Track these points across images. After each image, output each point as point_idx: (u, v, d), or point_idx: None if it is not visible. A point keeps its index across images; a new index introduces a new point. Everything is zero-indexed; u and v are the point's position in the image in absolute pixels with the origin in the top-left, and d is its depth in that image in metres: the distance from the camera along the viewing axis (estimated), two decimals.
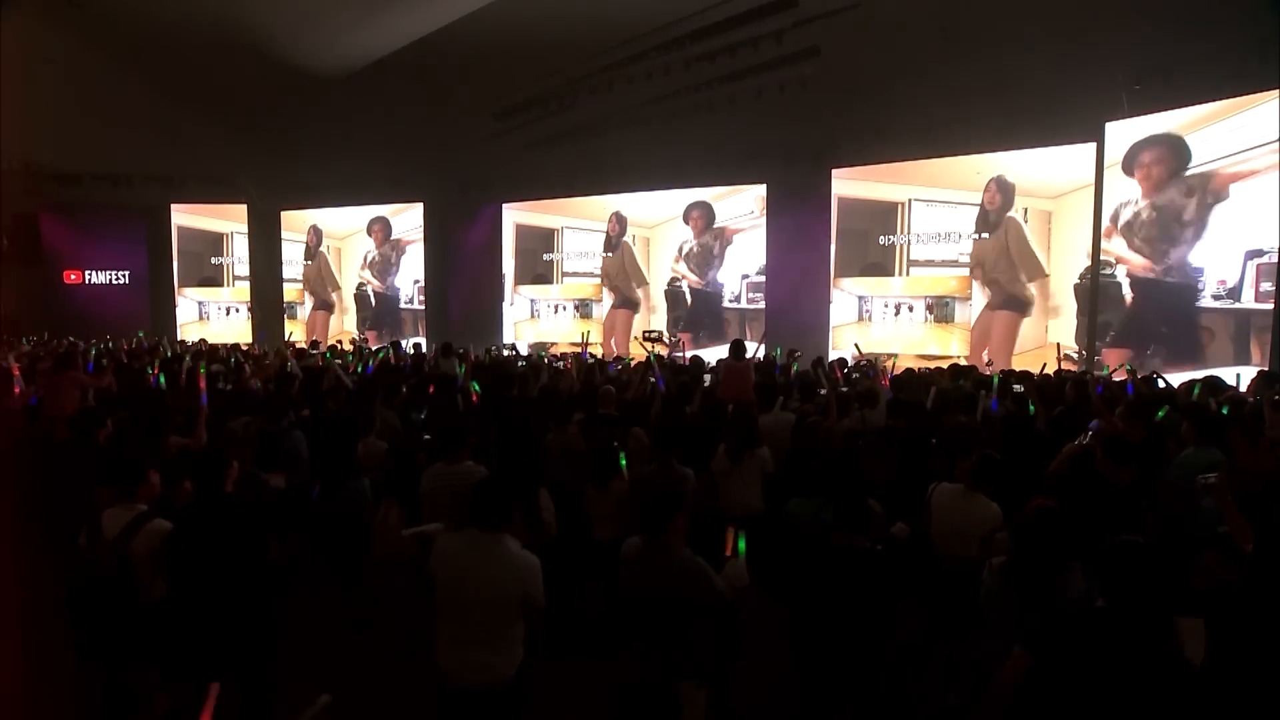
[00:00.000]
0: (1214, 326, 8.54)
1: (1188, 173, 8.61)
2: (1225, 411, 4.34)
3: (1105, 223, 9.41)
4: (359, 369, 6.23)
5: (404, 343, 12.25)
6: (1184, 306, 8.62)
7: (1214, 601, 2.08)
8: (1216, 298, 8.50)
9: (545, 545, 2.82)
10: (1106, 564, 1.92)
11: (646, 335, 11.75)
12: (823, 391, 4.64)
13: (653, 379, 4.79)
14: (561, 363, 7.60)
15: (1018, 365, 10.72)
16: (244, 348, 12.62)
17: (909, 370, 6.95)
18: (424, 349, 14.32)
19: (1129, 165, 9.04)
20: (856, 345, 8.56)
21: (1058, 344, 8.86)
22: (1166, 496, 3.34)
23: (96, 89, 14.33)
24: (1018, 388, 4.40)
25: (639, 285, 14.11)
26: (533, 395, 4.97)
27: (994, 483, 2.98)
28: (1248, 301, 8.25)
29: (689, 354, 8.63)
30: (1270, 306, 8.04)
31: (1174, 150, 8.67)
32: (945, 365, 10.91)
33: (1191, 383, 5.30)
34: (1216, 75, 8.30)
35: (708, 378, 4.84)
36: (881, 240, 11.76)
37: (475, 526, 2.29)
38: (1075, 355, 10.19)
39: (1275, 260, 8.00)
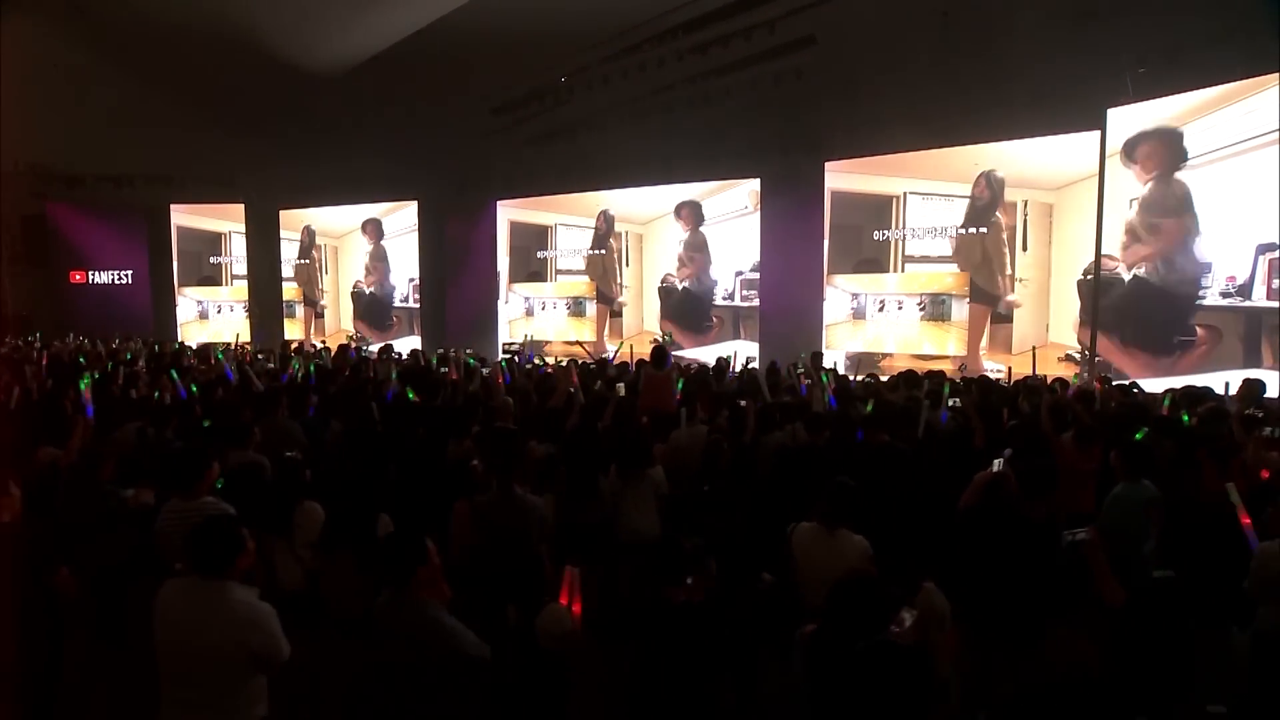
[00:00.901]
0: (1222, 326, 7.97)
1: (1191, 162, 8.03)
2: (1189, 424, 3.92)
3: (1106, 215, 8.86)
4: (303, 372, 6.07)
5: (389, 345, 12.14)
6: (1186, 305, 8.07)
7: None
8: (1225, 295, 7.92)
9: None
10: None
11: (578, 342, 11.48)
12: (743, 403, 4.27)
13: (572, 388, 4.51)
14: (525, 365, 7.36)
15: (1016, 367, 10.25)
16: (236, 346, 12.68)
17: (845, 379, 6.43)
18: (419, 349, 14.37)
19: (1128, 156, 8.49)
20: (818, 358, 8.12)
21: (1034, 348, 8.39)
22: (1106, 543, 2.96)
23: (97, 90, 14.52)
24: (955, 401, 3.98)
25: (615, 284, 13.90)
26: (457, 403, 4.74)
27: (854, 515, 2.64)
28: (1259, 299, 7.67)
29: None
30: None
31: (1170, 142, 8.11)
32: (942, 365, 10.58)
33: (1168, 392, 4.83)
34: (1225, 56, 7.72)
35: (622, 386, 4.55)
36: (876, 235, 11.31)
37: (195, 573, 2.03)
38: (1078, 356, 9.68)
39: None
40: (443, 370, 5.94)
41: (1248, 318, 7.75)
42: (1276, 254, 7.52)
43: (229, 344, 11.90)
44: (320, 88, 14.82)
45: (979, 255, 10.35)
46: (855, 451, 3.64)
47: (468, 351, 9.42)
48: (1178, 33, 8.17)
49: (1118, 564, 2.82)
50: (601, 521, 3.04)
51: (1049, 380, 6.14)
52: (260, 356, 8.74)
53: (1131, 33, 8.53)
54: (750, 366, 6.68)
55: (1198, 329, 8.12)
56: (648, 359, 6.00)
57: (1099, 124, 8.94)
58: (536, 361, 7.67)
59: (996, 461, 2.96)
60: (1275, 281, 7.54)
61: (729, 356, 5.67)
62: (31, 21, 13.96)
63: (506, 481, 3.04)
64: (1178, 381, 7.67)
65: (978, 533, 2.51)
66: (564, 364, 6.20)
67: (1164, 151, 8.25)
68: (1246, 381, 5.34)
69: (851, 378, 7.29)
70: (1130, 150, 8.52)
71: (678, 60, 13.47)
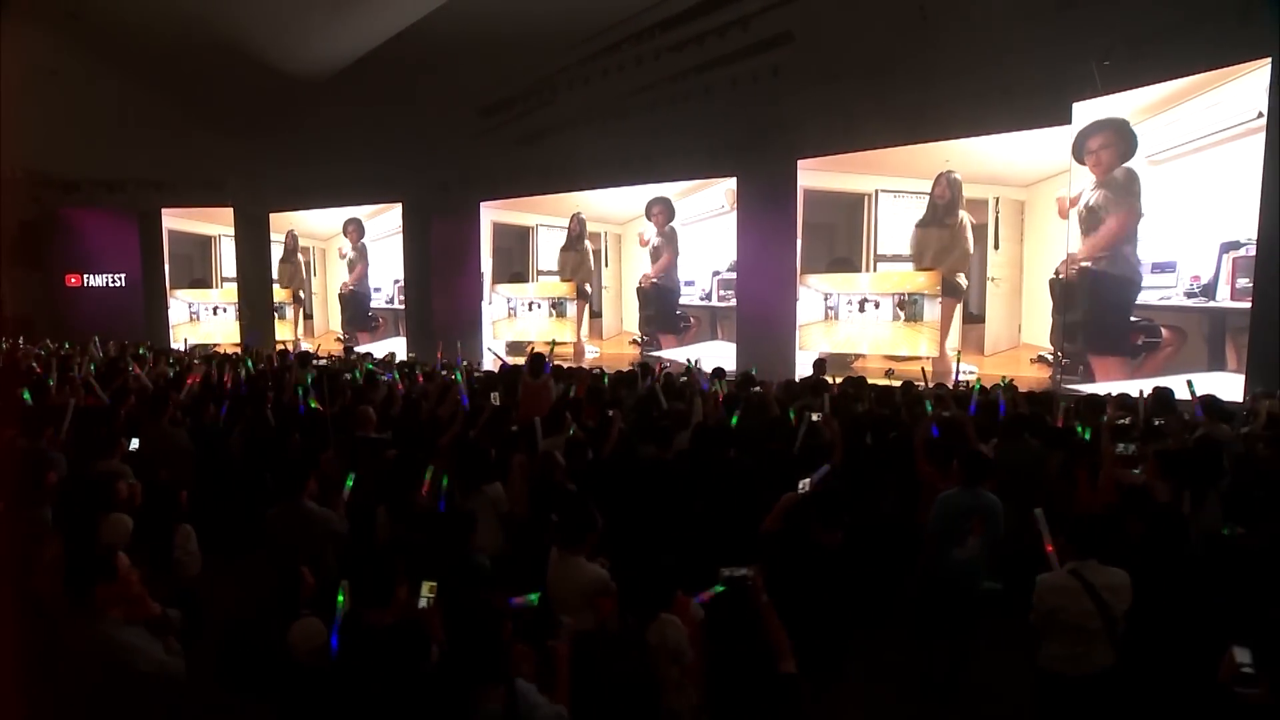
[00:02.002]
0: (1187, 327, 7.70)
1: (1155, 158, 7.77)
2: (1085, 435, 3.76)
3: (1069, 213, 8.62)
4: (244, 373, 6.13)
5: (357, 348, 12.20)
6: (1128, 304, 7.84)
7: None
8: (1190, 295, 7.65)
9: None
10: None
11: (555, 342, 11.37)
12: (610, 413, 4.14)
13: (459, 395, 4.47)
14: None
15: (989, 368, 10.02)
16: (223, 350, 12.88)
17: (747, 377, 6.18)
18: (404, 351, 14.46)
19: (1078, 152, 8.25)
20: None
21: (924, 359, 8.19)
22: (930, 547, 2.86)
23: (91, 96, 14.82)
24: (815, 416, 3.84)
25: (590, 285, 13.91)
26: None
27: (582, 537, 2.52)
28: (1223, 299, 7.40)
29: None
30: (1248, 305, 7.19)
31: (1120, 134, 7.85)
32: (914, 366, 10.39)
33: (1091, 398, 4.65)
34: (1188, 47, 7.45)
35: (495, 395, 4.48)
36: (846, 235, 11.14)
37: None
38: (1050, 358, 9.43)
39: (1253, 254, 7.14)
40: (347, 378, 5.97)
41: (1211, 318, 7.48)
42: (1241, 252, 7.24)
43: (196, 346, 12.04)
44: (306, 93, 14.99)
45: (934, 253, 10.18)
46: (699, 466, 3.52)
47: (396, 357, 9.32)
48: (1141, 25, 7.91)
49: (936, 564, 2.71)
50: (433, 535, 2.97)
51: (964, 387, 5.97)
52: (196, 362, 8.84)
53: (1096, 27, 8.28)
54: (691, 369, 6.46)
55: (1163, 330, 7.86)
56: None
57: (1067, 119, 8.68)
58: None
59: (802, 483, 2.85)
60: (1240, 281, 7.27)
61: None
62: (28, 28, 14.27)
63: (294, 492, 3.01)
64: (1146, 384, 7.49)
65: (770, 558, 2.42)
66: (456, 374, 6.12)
67: (1108, 149, 8.02)
68: (1156, 389, 5.13)
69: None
70: (1078, 148, 8.30)
71: (655, 59, 13.39)
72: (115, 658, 1.97)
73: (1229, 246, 7.33)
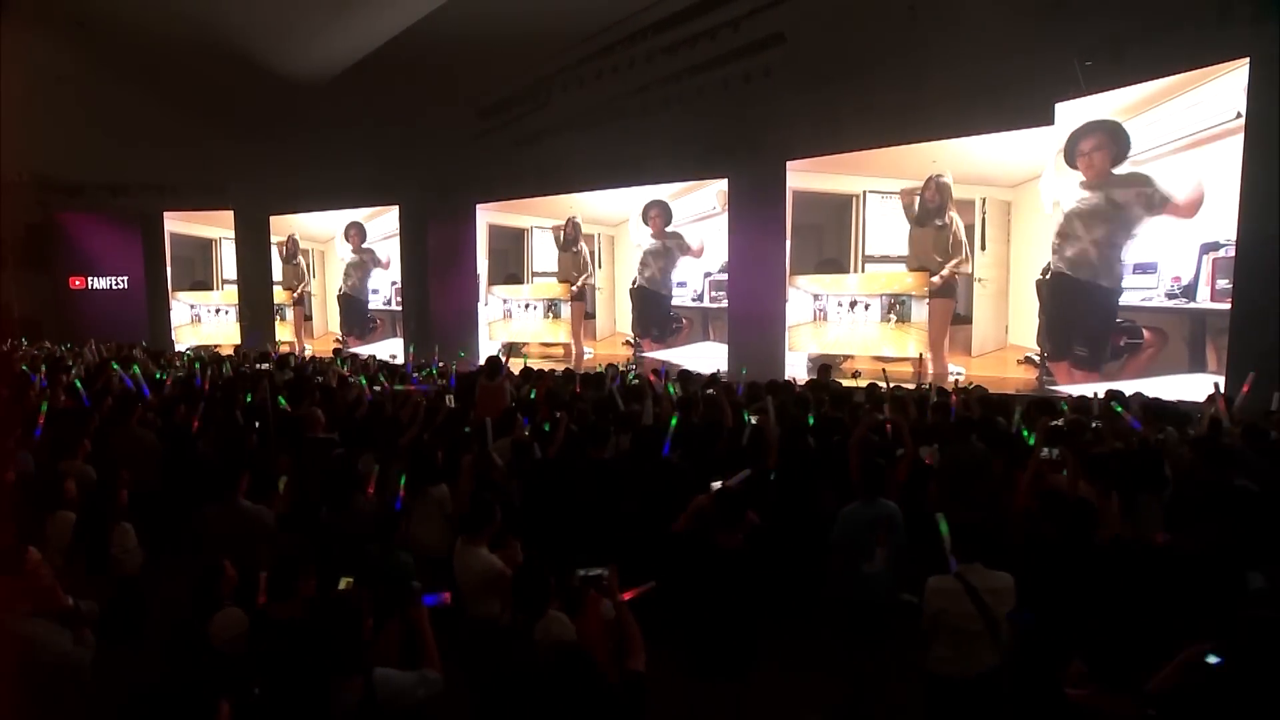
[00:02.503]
0: (1168, 329, 7.66)
1: (1135, 158, 7.72)
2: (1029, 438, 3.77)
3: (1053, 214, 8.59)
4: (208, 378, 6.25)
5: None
6: (1109, 306, 7.81)
7: None
8: (1171, 296, 7.61)
9: None
10: None
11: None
12: (558, 414, 4.18)
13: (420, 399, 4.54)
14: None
15: (977, 369, 10.00)
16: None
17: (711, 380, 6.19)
18: (404, 351, 14.60)
19: (1070, 154, 8.21)
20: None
21: (920, 355, 8.18)
22: (837, 560, 2.89)
23: (94, 101, 15.07)
24: (754, 419, 3.85)
25: (586, 285, 13.97)
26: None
27: (484, 528, 2.59)
28: (1203, 300, 7.35)
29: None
30: (1228, 306, 7.15)
31: (1112, 136, 7.80)
32: (902, 367, 10.37)
33: (1043, 400, 4.64)
34: (1169, 48, 7.41)
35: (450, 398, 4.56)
36: (835, 236, 11.13)
37: None
38: (1037, 359, 9.39)
39: (1233, 255, 7.09)
40: (319, 379, 6.07)
41: (1192, 319, 7.44)
42: (1221, 253, 7.20)
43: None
44: (305, 97, 15.17)
45: (928, 251, 10.16)
46: (635, 467, 3.56)
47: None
48: (1122, 26, 7.87)
49: (846, 581, 2.74)
50: (359, 532, 3.02)
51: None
52: (176, 364, 8.99)
53: (1078, 27, 8.25)
54: (640, 373, 6.47)
55: (1144, 331, 7.82)
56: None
57: (1049, 119, 8.66)
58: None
59: (714, 485, 2.89)
60: (1220, 282, 7.22)
61: (624, 365, 5.60)
62: (34, 36, 14.54)
63: (229, 490, 3.10)
64: (1124, 387, 7.47)
65: (677, 559, 2.46)
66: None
67: (1100, 150, 7.98)
68: (1109, 392, 5.10)
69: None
70: (1070, 151, 8.26)
71: (647, 61, 13.46)
72: (14, 649, 2.05)
73: (1209, 247, 7.29)
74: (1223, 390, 5.37)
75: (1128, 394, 6.41)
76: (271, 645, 1.98)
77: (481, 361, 13.75)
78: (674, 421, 3.97)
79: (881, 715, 2.84)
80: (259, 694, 1.92)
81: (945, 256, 10.07)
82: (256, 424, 4.68)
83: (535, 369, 8.08)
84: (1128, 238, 7.82)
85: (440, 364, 7.31)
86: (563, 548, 2.91)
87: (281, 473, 3.76)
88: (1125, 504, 3.03)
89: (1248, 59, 6.83)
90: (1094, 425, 4.03)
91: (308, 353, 14.94)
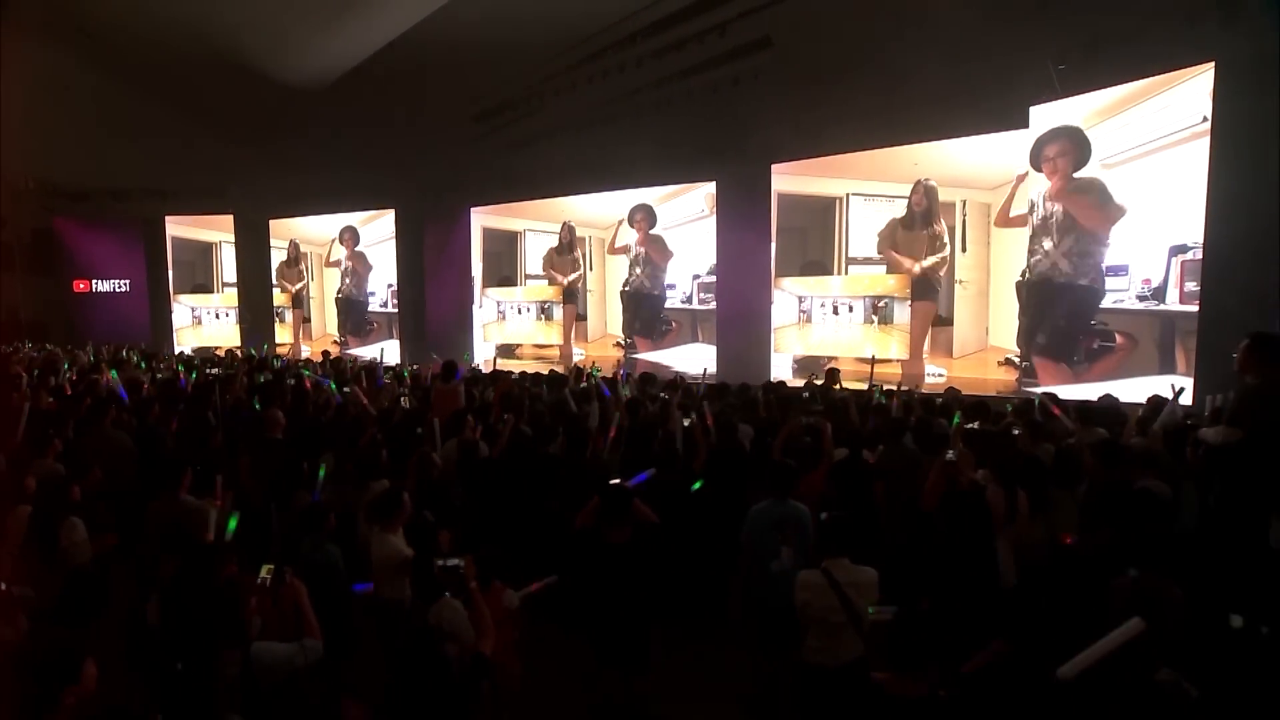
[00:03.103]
0: (1138, 331, 7.71)
1: (1106, 160, 7.79)
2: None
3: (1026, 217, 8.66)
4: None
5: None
6: (1092, 310, 7.86)
7: None
8: (1141, 298, 7.67)
9: None
10: None
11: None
12: (506, 416, 4.30)
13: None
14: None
15: (958, 370, 10.07)
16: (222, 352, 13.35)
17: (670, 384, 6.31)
18: (394, 354, 14.81)
19: (1036, 159, 8.29)
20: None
21: (873, 357, 8.35)
22: (745, 559, 3.01)
23: (97, 108, 15.39)
24: (686, 421, 3.97)
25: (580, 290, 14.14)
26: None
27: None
28: (1172, 303, 7.40)
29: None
30: (1196, 309, 7.20)
31: (1074, 141, 7.87)
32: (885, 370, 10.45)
33: (980, 403, 4.73)
34: (1139, 51, 7.47)
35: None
36: (819, 238, 11.23)
37: None
38: (1016, 361, 9.45)
39: (1200, 257, 7.14)
40: (290, 382, 6.25)
41: (1162, 321, 7.49)
42: (1189, 256, 7.25)
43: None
44: (303, 102, 15.42)
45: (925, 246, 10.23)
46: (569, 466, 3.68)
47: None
48: (1093, 30, 7.93)
49: (755, 580, 2.86)
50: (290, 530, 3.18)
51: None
52: (162, 366, 9.21)
53: (1052, 31, 8.31)
54: (594, 377, 6.55)
55: (1116, 335, 7.87)
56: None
57: (1025, 123, 8.72)
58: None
59: (613, 483, 3.01)
60: (1188, 284, 7.27)
61: (590, 366, 5.74)
62: (38, 44, 14.88)
63: (173, 486, 3.26)
64: (1095, 388, 7.53)
65: (576, 553, 2.59)
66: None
67: (1065, 156, 8.06)
68: (1045, 394, 5.18)
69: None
70: (1035, 156, 8.35)
71: (637, 66, 13.58)
72: None
73: (1177, 250, 7.34)
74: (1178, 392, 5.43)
75: (1097, 396, 6.54)
76: (177, 623, 2.15)
77: (485, 365, 14.07)
78: (616, 422, 4.12)
79: (787, 712, 2.95)
80: (180, 669, 2.08)
81: (928, 259, 10.16)
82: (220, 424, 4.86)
83: (501, 371, 8.27)
84: (1093, 242, 7.89)
85: (415, 367, 7.45)
86: (496, 542, 3.05)
87: (242, 471, 3.91)
88: (1035, 504, 3.12)
89: (1213, 63, 6.89)
90: (1014, 430, 4.11)
91: (304, 353, 15.19)
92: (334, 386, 5.62)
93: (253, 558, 2.71)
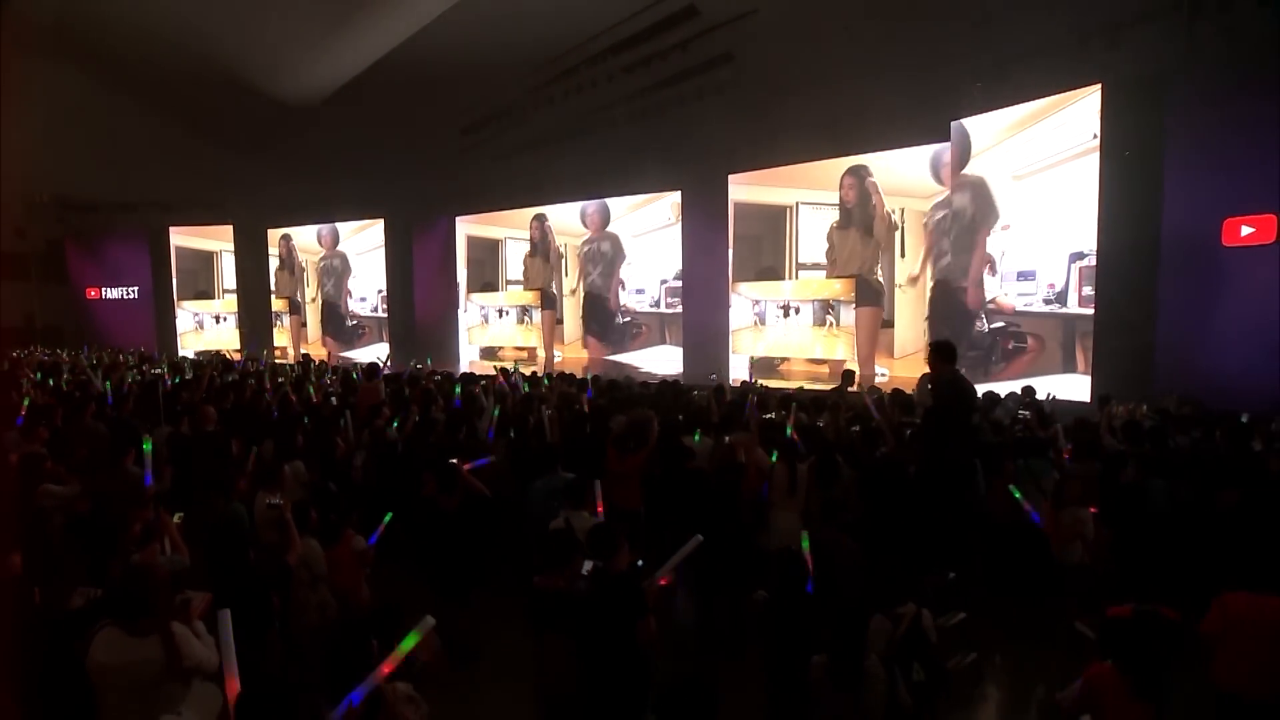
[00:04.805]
0: (1045, 333, 8.26)
1: (1016, 172, 8.35)
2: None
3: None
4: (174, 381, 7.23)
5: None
6: (976, 314, 8.44)
7: None
8: (1047, 302, 8.22)
9: None
10: None
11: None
12: (413, 408, 5.07)
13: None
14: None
15: (900, 370, 10.62)
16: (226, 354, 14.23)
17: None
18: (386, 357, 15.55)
19: (935, 170, 8.85)
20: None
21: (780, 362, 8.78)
22: (529, 527, 3.66)
23: (105, 126, 16.35)
24: (548, 412, 4.65)
25: (555, 289, 14.79)
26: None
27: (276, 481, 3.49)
28: (1073, 306, 7.96)
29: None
30: (1092, 311, 7.76)
31: (957, 144, 8.46)
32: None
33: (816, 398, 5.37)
34: (1040, 72, 8.05)
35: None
36: (772, 245, 11.85)
37: None
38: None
39: (1094, 263, 7.70)
40: (250, 382, 7.00)
41: (1064, 324, 8.04)
42: (1085, 262, 7.80)
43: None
44: (298, 117, 16.28)
45: (848, 253, 10.80)
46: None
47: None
48: (1002, 52, 8.50)
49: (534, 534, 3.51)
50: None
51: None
52: (143, 367, 10.04)
53: (968, 51, 8.87)
54: (509, 374, 7.27)
55: (1029, 337, 8.43)
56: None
57: (946, 135, 9.30)
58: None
59: (452, 461, 3.69)
60: (1085, 289, 7.83)
61: (514, 366, 6.42)
62: (51, 68, 15.86)
63: (122, 457, 3.99)
64: (1012, 385, 8.09)
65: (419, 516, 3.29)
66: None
67: (954, 155, 8.61)
68: (846, 371, 5.78)
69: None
70: (936, 165, 8.91)
71: (608, 81, 14.29)
72: None
73: (1076, 256, 7.89)
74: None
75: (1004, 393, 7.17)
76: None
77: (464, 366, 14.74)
78: (495, 412, 4.81)
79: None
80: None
81: (863, 260, 10.73)
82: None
83: (423, 371, 9.17)
84: (972, 245, 8.45)
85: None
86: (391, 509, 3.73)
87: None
88: (820, 480, 3.73)
89: (1099, 85, 7.46)
90: (819, 424, 4.74)
91: (303, 355, 15.94)
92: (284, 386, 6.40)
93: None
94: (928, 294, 9.77)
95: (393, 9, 13.94)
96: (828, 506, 3.17)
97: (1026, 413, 5.54)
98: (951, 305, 8.91)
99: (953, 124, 9.10)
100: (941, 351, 4.13)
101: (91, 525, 3.03)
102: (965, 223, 8.56)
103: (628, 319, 13.87)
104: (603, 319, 13.95)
